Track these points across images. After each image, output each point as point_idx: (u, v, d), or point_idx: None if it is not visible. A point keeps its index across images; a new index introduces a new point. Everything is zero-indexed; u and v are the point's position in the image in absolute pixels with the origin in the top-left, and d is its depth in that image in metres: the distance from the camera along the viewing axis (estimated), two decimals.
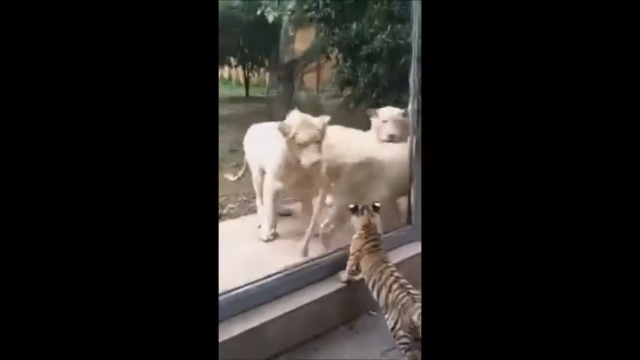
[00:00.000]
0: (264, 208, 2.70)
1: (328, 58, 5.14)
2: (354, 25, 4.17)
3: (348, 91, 4.96)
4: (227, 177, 3.18)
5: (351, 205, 2.12)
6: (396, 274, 1.91)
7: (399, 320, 1.77)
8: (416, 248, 2.51)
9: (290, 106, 6.83)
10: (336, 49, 4.76)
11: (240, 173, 3.14)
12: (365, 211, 2.09)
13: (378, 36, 3.87)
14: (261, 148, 2.69)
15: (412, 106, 2.45)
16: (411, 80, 2.44)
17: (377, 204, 2.13)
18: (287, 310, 1.92)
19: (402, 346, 1.78)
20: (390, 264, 1.99)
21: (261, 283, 1.96)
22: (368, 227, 2.07)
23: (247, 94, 9.96)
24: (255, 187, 2.91)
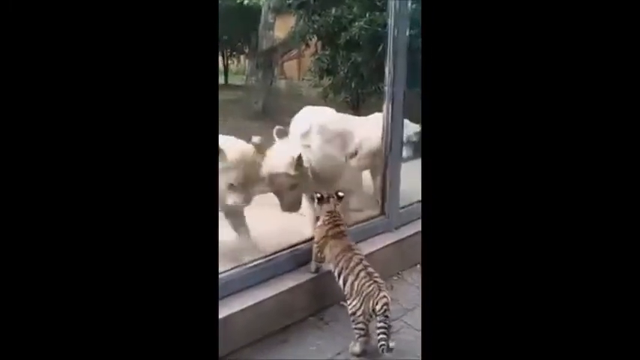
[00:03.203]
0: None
1: (307, 45, 5.06)
2: (333, 11, 4.09)
3: (327, 81, 4.90)
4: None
5: (318, 195, 2.09)
6: (364, 262, 1.90)
7: (361, 308, 1.78)
8: (388, 239, 2.50)
9: (269, 94, 6.76)
10: (315, 37, 4.68)
11: None
12: (331, 199, 2.07)
13: (357, 23, 3.80)
14: None
15: (388, 95, 2.42)
16: (387, 69, 2.41)
17: (340, 194, 2.12)
18: (255, 301, 1.88)
19: (357, 332, 1.80)
20: (357, 251, 1.97)
21: (227, 274, 1.91)
22: (332, 214, 2.05)
23: (226, 81, 9.77)
24: None
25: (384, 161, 2.52)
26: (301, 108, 3.55)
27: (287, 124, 3.37)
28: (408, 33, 2.36)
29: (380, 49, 3.49)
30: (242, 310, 1.83)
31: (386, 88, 2.42)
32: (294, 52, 7.22)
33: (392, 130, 2.45)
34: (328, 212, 2.05)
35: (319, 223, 2.08)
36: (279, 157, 2.17)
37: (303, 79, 7.16)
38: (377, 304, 1.73)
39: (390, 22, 2.34)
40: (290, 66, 8.74)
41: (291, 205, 2.23)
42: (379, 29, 3.65)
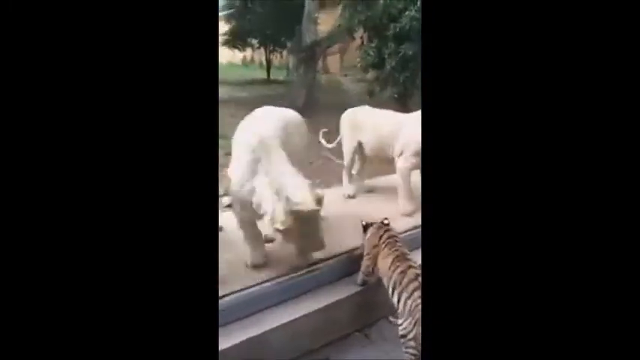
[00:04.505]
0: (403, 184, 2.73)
1: (353, 38, 4.82)
2: (382, 0, 3.80)
3: (373, 75, 4.65)
4: (322, 142, 3.06)
5: (364, 223, 1.96)
6: (420, 278, 1.68)
7: (413, 331, 1.58)
8: None
9: (311, 89, 6.61)
10: (362, 29, 4.43)
11: (334, 143, 3.09)
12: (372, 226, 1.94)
13: (407, 12, 3.51)
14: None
15: None
16: None
17: (386, 221, 1.96)
18: (293, 317, 1.72)
19: (409, 356, 1.61)
20: (413, 263, 1.76)
21: (265, 285, 1.76)
22: (382, 224, 1.91)
23: (268, 76, 9.75)
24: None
25: None
26: (344, 104, 3.33)
27: (330, 122, 3.20)
28: None
29: None
30: (279, 327, 1.68)
31: None
32: (337, 46, 7.03)
33: None
34: (379, 222, 1.92)
35: (368, 235, 1.91)
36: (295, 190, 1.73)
37: (345, 75, 6.93)
38: None
39: None
40: (332, 61, 8.55)
41: (319, 244, 1.85)
42: None
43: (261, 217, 1.80)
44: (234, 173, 1.84)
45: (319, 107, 6.13)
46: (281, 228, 1.66)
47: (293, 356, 1.74)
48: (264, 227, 1.86)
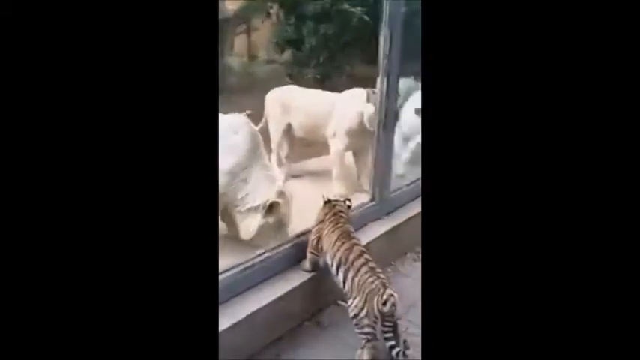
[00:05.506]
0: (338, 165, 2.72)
1: (268, 14, 4.57)
2: None
3: (286, 56, 4.50)
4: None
5: (326, 198, 1.88)
6: (366, 255, 1.66)
7: (365, 308, 1.54)
8: (380, 227, 2.28)
9: (221, 70, 6.21)
10: (276, 6, 4.23)
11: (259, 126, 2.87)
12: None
13: None
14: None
15: (382, 69, 2.15)
16: (381, 42, 2.12)
17: (349, 203, 1.93)
18: (242, 315, 1.57)
19: (364, 336, 1.57)
20: (357, 240, 1.74)
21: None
22: (331, 200, 1.86)
23: None
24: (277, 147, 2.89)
25: (377, 141, 2.27)
26: (256, 85, 3.19)
27: (245, 104, 3.01)
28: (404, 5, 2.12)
29: (354, 21, 3.17)
30: (227, 328, 1.51)
31: (380, 61, 2.16)
32: (244, 26, 6.70)
33: (386, 107, 2.19)
34: (329, 199, 1.87)
35: (319, 210, 1.85)
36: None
37: (254, 57, 6.63)
38: (384, 304, 1.49)
39: None
40: (239, 41, 8.15)
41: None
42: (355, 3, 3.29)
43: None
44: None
45: (230, 89, 5.79)
46: (273, 200, 1.94)
47: (243, 356, 1.59)
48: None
